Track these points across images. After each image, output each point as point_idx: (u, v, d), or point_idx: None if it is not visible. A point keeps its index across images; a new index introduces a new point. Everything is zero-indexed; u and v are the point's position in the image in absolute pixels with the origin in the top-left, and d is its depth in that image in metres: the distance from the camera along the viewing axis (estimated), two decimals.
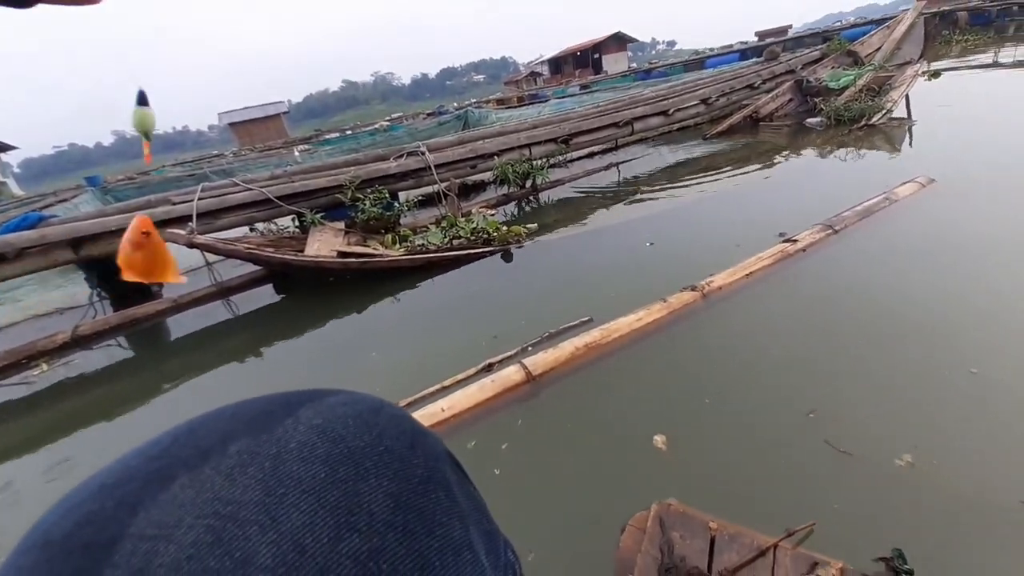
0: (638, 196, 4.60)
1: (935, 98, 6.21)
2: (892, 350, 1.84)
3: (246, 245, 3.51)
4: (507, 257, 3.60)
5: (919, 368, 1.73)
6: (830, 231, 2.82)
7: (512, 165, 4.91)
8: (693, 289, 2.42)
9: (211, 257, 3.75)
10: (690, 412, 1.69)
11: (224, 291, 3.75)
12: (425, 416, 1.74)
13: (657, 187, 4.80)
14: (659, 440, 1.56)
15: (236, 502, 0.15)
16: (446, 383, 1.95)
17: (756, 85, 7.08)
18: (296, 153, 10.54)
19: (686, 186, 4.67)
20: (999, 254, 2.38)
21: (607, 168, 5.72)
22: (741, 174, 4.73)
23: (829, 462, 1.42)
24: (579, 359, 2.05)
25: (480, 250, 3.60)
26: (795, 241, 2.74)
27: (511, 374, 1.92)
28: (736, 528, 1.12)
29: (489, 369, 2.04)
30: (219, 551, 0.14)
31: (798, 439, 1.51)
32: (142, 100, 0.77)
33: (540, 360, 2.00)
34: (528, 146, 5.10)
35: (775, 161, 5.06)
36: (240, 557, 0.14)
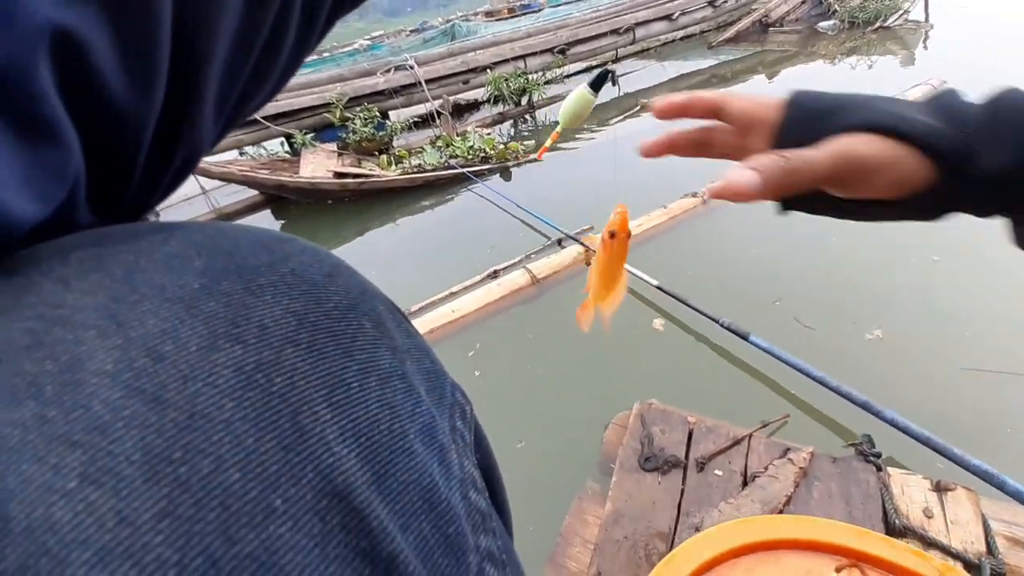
0: (638, 110, 4.44)
1: None
2: (868, 248, 1.91)
3: (240, 168, 3.43)
4: (506, 175, 3.55)
5: (887, 260, 1.81)
6: None
7: (507, 79, 4.67)
8: (694, 196, 2.43)
9: (206, 184, 3.68)
10: (680, 307, 1.77)
11: (222, 217, 3.72)
12: (436, 318, 1.82)
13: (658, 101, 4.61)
14: (657, 323, 1.67)
15: (68, 306, 0.12)
16: (454, 289, 2.02)
17: None
18: None
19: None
20: None
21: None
22: (749, 85, 4.53)
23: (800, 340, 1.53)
24: (581, 263, 2.10)
25: (478, 168, 3.54)
26: None
27: (516, 278, 1.99)
28: (713, 422, 1.19)
29: (495, 276, 2.09)
30: (38, 354, 0.11)
31: (772, 320, 1.62)
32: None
33: (544, 264, 2.06)
34: (523, 57, 4.82)
35: (785, 69, 4.83)
36: (67, 361, 0.11)
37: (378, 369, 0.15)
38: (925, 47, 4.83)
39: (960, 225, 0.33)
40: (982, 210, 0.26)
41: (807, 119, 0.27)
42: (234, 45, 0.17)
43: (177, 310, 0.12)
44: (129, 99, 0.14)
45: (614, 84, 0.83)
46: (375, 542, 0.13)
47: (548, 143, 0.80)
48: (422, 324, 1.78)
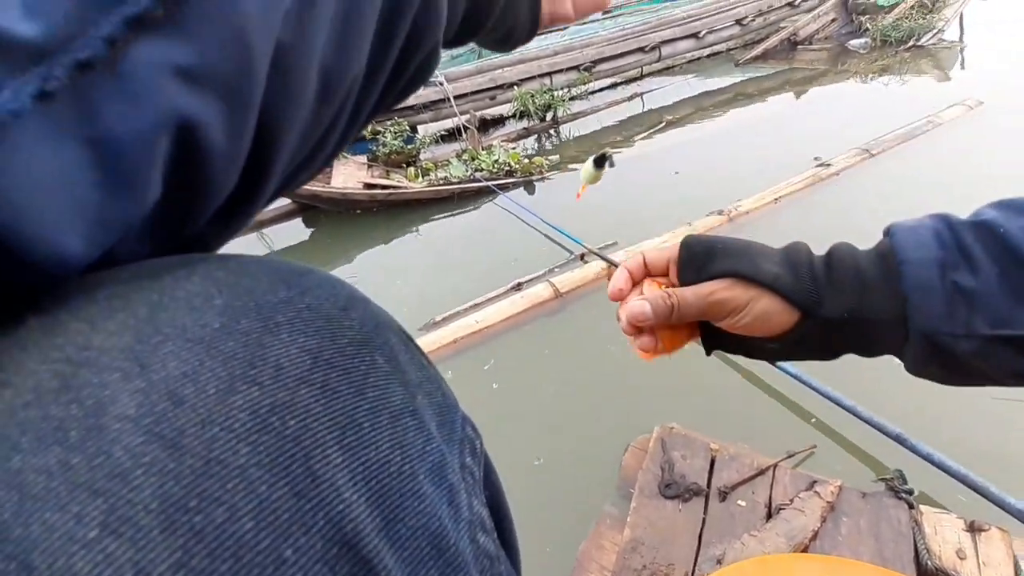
0: (663, 127, 4.44)
1: (992, 15, 5.66)
2: None
3: None
4: (530, 188, 3.59)
5: None
6: (866, 155, 2.73)
7: (532, 96, 4.74)
8: (720, 213, 2.42)
9: None
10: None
11: (258, 224, 3.86)
12: (459, 328, 1.85)
13: (684, 117, 4.61)
14: None
15: (95, 348, 0.12)
16: (478, 301, 2.05)
17: (797, 3, 6.50)
18: None
19: (715, 116, 4.48)
20: None
21: (630, 99, 5.48)
22: (775, 102, 4.50)
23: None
24: (603, 278, 2.11)
25: (503, 181, 3.59)
26: (828, 165, 2.67)
27: (540, 291, 2.01)
28: (737, 449, 1.17)
29: (518, 288, 2.12)
30: (64, 397, 0.11)
31: None
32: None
33: (567, 279, 2.07)
34: (549, 74, 4.89)
35: (813, 88, 4.77)
36: (92, 405, 0.11)
37: (389, 407, 0.15)
38: (962, 67, 4.72)
39: None
40: (864, 350, 0.32)
41: (694, 261, 0.34)
42: (299, 136, 0.19)
43: (198, 351, 0.12)
44: (219, 175, 0.16)
45: (611, 166, 0.92)
46: None
47: (580, 191, 0.90)
48: (447, 333, 1.82)
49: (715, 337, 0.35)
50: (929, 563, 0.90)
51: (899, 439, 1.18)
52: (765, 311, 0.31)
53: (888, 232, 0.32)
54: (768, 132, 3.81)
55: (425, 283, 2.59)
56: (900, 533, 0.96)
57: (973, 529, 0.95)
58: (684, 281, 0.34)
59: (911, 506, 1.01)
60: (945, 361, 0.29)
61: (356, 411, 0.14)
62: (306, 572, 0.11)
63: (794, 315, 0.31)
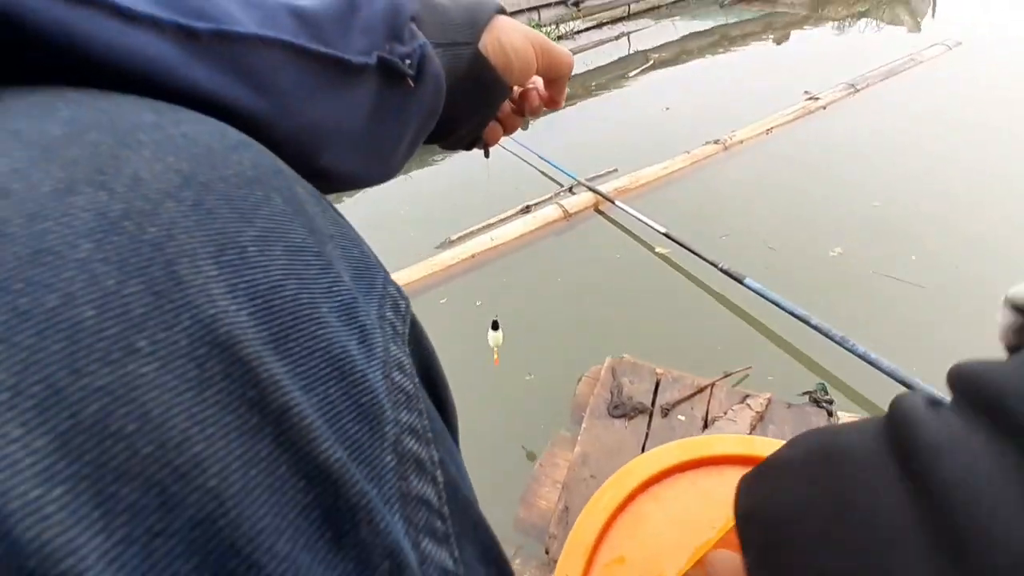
0: (651, 65, 4.41)
1: None
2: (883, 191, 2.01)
3: None
4: (524, 124, 3.54)
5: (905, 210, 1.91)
6: (852, 90, 2.83)
7: None
8: (716, 143, 2.49)
9: None
10: (691, 231, 1.86)
11: None
12: (476, 245, 1.89)
13: (671, 58, 4.59)
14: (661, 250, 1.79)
15: None
16: (491, 221, 2.08)
17: None
18: None
19: (701, 57, 4.48)
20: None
21: (617, 38, 5.37)
22: (761, 45, 4.52)
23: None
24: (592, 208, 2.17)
25: None
26: (817, 99, 2.76)
27: (550, 212, 2.05)
28: (679, 373, 1.26)
29: (527, 211, 2.15)
30: None
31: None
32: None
33: (576, 201, 2.12)
34: (537, 8, 4.72)
35: (795, 32, 4.81)
36: None
37: (286, 240, 0.14)
38: (932, 15, 4.85)
39: None
40: None
41: None
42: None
43: (31, 152, 0.11)
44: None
45: (495, 329, 1.00)
46: (265, 392, 0.12)
47: (495, 358, 0.98)
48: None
49: None
50: None
51: (842, 342, 1.27)
52: None
53: None
54: (755, 71, 3.86)
55: (428, 206, 2.57)
56: None
57: None
58: None
59: (830, 414, 1.16)
60: None
61: (239, 235, 0.13)
62: (164, 363, 0.11)
63: None
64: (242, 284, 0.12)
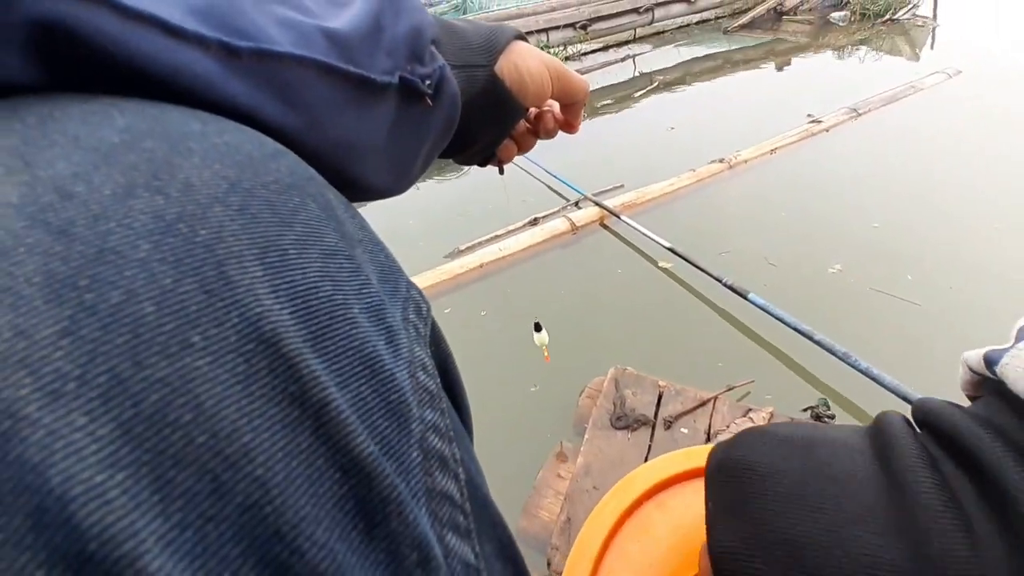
0: (655, 87, 4.51)
1: None
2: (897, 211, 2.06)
3: None
4: None
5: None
6: (854, 114, 2.90)
7: None
8: (721, 161, 2.54)
9: None
10: (694, 246, 1.89)
11: None
12: (485, 255, 1.93)
13: (675, 80, 4.70)
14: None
15: None
16: (498, 232, 2.12)
17: None
18: None
19: (705, 80, 4.59)
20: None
21: (623, 60, 5.51)
22: (764, 69, 4.64)
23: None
24: (598, 221, 2.21)
25: None
26: (820, 122, 2.83)
27: (557, 225, 2.10)
28: (682, 386, 1.27)
29: (534, 223, 2.20)
30: None
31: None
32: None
33: (582, 215, 2.16)
34: (546, 31, 4.86)
35: (796, 59, 4.93)
36: None
37: (321, 245, 0.15)
38: (932, 47, 4.97)
39: None
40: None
41: None
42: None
43: (92, 157, 0.12)
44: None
45: (538, 331, 1.06)
46: (305, 388, 0.13)
47: (546, 355, 0.96)
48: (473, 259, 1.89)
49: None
50: None
51: (845, 358, 1.27)
52: None
53: None
54: (758, 94, 3.95)
55: (434, 219, 2.62)
56: None
57: None
58: None
59: None
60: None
61: (280, 239, 0.14)
62: (216, 358, 0.12)
63: None
64: (284, 284, 0.13)
